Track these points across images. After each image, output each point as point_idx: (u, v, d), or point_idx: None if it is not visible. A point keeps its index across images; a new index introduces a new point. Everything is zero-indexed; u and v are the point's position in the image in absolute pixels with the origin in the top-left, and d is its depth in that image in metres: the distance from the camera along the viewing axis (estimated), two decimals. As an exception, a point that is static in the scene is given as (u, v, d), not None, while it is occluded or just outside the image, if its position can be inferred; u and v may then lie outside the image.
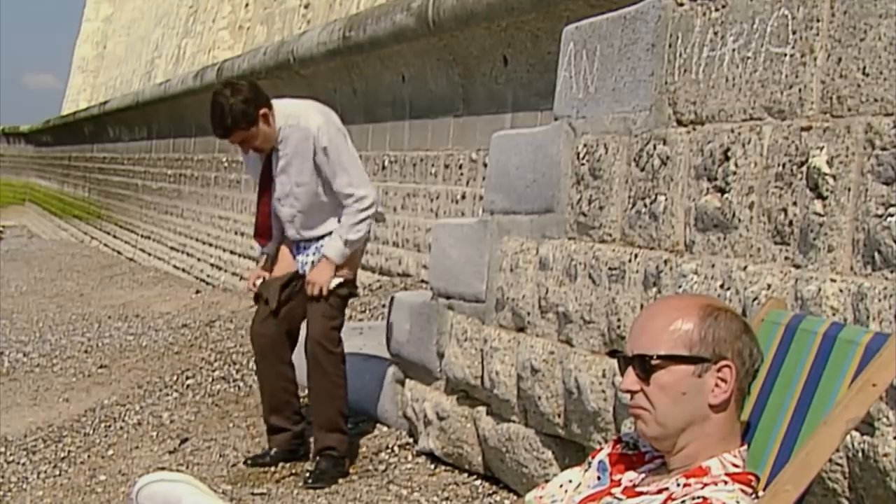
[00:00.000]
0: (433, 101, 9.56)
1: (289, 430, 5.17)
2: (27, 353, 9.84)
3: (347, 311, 6.08)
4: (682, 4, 3.38)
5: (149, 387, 7.35)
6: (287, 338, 5.08)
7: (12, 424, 7.21)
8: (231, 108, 4.80)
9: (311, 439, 5.13)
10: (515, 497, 4.31)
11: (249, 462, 5.19)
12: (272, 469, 5.11)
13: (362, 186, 4.93)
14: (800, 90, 2.85)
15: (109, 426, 6.62)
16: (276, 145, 4.94)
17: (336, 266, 4.93)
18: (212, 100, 4.89)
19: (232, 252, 15.80)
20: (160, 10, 28.24)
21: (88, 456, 6.10)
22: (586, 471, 2.35)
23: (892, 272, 2.52)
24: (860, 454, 2.56)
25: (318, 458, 4.95)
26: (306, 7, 16.34)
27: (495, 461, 4.46)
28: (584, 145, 3.87)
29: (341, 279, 4.95)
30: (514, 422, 4.25)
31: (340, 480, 4.87)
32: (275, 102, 4.97)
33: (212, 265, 16.93)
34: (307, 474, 4.94)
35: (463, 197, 8.72)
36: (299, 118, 4.92)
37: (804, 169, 2.79)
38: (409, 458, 5.05)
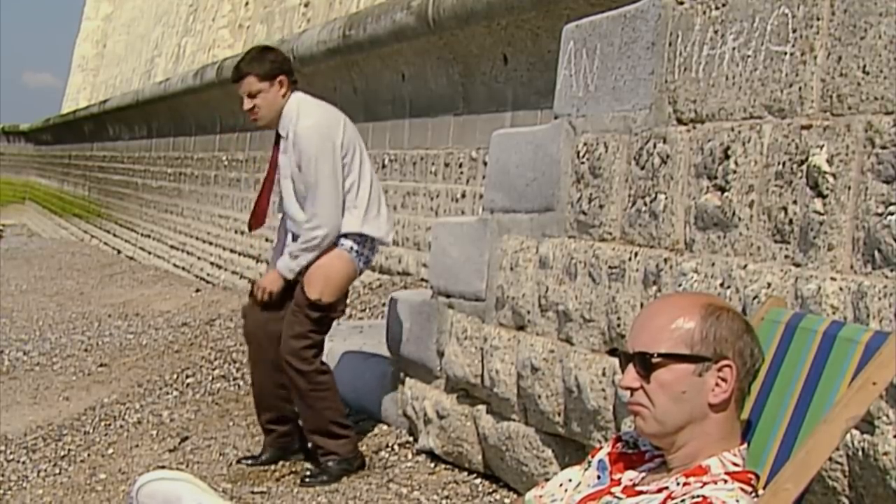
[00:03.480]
0: (433, 99, 9.56)
1: (276, 430, 5.16)
2: (27, 351, 9.85)
3: (348, 311, 6.07)
4: (682, 3, 3.38)
5: (149, 385, 7.35)
6: (275, 334, 5.04)
7: (12, 423, 7.22)
8: (254, 56, 4.95)
9: (312, 444, 5.12)
10: (515, 496, 4.31)
11: (244, 462, 5.18)
12: (272, 467, 5.11)
13: (320, 216, 4.82)
14: (800, 88, 2.85)
15: (109, 425, 6.62)
16: (278, 130, 4.94)
17: (284, 278, 4.92)
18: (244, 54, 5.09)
19: (232, 251, 15.79)
20: (160, 8, 28.23)
21: (88, 454, 6.11)
22: (586, 470, 2.35)
23: (892, 271, 2.52)
24: (860, 453, 2.56)
25: (321, 458, 4.94)
26: (306, 6, 16.34)
27: (495, 460, 4.47)
28: (584, 144, 3.87)
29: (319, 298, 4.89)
30: (514, 420, 4.25)
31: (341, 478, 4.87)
32: (298, 94, 4.97)
33: (212, 264, 16.93)
34: (307, 472, 4.94)
35: (463, 195, 8.73)
36: (298, 114, 4.89)
37: (804, 167, 2.79)
38: (409, 456, 5.05)
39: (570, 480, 2.36)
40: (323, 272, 4.88)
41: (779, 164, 2.89)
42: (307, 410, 4.96)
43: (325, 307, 4.90)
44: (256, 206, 5.17)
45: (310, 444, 5.12)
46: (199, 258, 17.85)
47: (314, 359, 4.92)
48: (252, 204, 5.27)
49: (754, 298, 2.88)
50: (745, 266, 2.98)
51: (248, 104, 4.95)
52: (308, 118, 4.89)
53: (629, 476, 2.25)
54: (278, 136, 4.98)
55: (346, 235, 4.93)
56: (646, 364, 2.17)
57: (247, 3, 20.03)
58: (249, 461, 5.17)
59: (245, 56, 5.05)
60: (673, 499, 2.09)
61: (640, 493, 2.17)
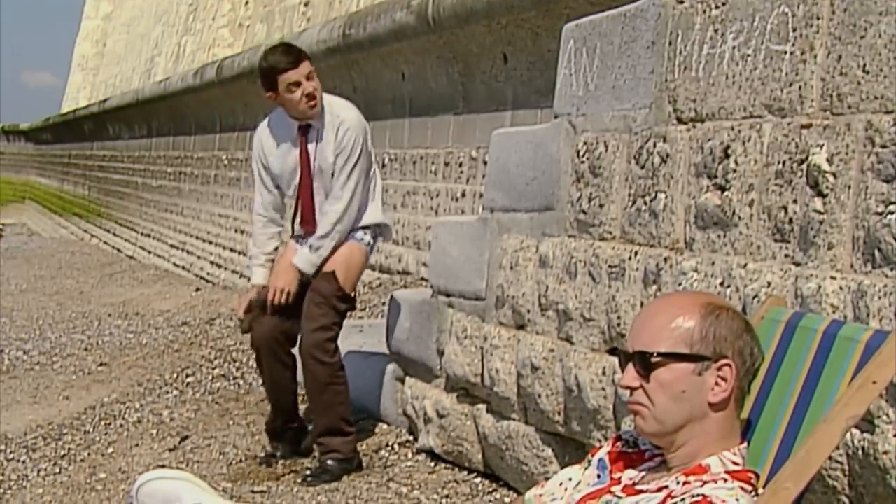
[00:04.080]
0: (433, 98, 9.56)
1: (291, 429, 5.21)
2: (27, 350, 9.85)
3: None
4: (682, 2, 3.38)
5: (149, 385, 7.35)
6: (286, 339, 5.05)
7: (12, 422, 7.22)
8: (289, 44, 5.03)
9: (315, 441, 5.13)
10: (515, 495, 4.31)
11: (260, 463, 5.18)
12: (272, 467, 5.11)
13: (347, 203, 4.89)
14: (800, 88, 2.85)
15: (109, 424, 6.62)
16: (312, 123, 4.92)
17: (301, 272, 4.93)
18: (272, 47, 5.09)
19: (232, 250, 15.79)
20: (160, 7, 28.23)
21: (88, 454, 6.11)
22: (586, 469, 2.35)
23: (892, 270, 2.52)
24: (860, 452, 2.56)
25: (322, 457, 4.95)
26: (306, 5, 16.34)
27: (495, 459, 4.47)
28: (584, 143, 3.87)
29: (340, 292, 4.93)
30: (514, 419, 4.25)
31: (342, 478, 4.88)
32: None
33: (212, 263, 16.93)
34: (307, 472, 4.94)
35: (463, 195, 8.73)
36: (332, 106, 4.94)
37: (804, 166, 2.79)
38: (409, 455, 5.05)
39: (570, 479, 2.36)
40: (345, 265, 4.95)
41: (779, 163, 2.89)
42: (321, 405, 4.96)
43: (349, 298, 5.00)
44: (302, 208, 5.03)
45: (310, 442, 5.14)
46: (199, 257, 17.85)
47: (335, 352, 4.97)
48: (293, 208, 5.11)
49: (754, 297, 2.88)
50: (745, 265, 2.98)
51: (309, 87, 4.85)
52: (349, 110, 4.97)
53: (629, 475, 2.25)
54: (304, 130, 4.94)
55: (366, 228, 4.99)
56: (645, 363, 2.17)
57: (247, 3, 20.03)
58: (267, 460, 5.18)
59: (282, 46, 5.05)
60: (673, 498, 2.09)
61: (640, 491, 2.17)
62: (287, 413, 5.20)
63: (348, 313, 5.19)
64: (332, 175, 4.91)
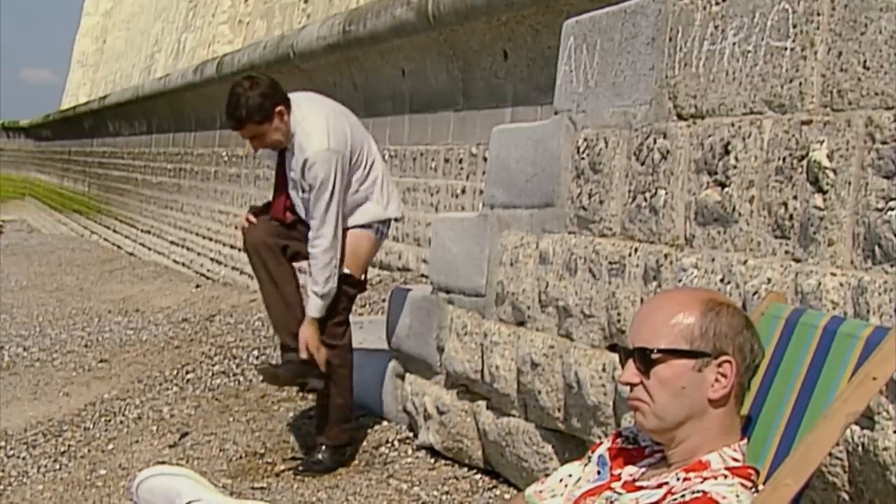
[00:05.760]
0: (433, 95, 9.56)
1: (296, 350, 4.96)
2: (27, 347, 9.84)
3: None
4: (682, -2, 3.37)
5: (149, 381, 7.35)
6: (278, 246, 4.94)
7: (12, 419, 7.21)
8: (247, 101, 4.74)
9: (315, 430, 5.15)
10: (515, 491, 4.31)
11: (261, 377, 5.11)
12: (272, 464, 5.12)
13: (326, 236, 4.80)
14: (800, 84, 2.85)
15: (109, 420, 6.62)
16: (287, 146, 4.88)
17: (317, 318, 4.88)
18: (230, 90, 4.84)
19: (232, 247, 15.79)
20: (160, 4, 28.22)
21: (88, 450, 6.11)
22: (586, 465, 2.35)
23: (892, 266, 2.52)
24: (860, 448, 2.56)
25: (317, 447, 4.97)
26: (306, 1, 16.33)
27: (495, 455, 4.47)
28: (585, 139, 3.87)
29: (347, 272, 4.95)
30: (514, 416, 4.25)
31: (341, 472, 4.88)
32: (293, 97, 4.88)
33: (212, 260, 16.93)
34: (300, 462, 4.97)
35: (463, 191, 8.73)
36: (305, 131, 4.81)
37: (804, 163, 2.79)
38: (409, 452, 5.05)
39: (570, 476, 2.36)
40: (352, 250, 4.96)
41: (779, 159, 2.89)
42: (328, 389, 4.97)
43: (355, 282, 5.02)
44: (274, 206, 5.03)
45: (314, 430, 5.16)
46: (199, 254, 17.85)
47: (344, 335, 5.00)
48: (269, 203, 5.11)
49: (754, 294, 2.88)
50: (746, 261, 2.98)
51: (255, 145, 4.89)
52: (317, 141, 4.79)
53: (629, 471, 2.25)
54: (282, 150, 4.93)
55: (369, 224, 5.01)
56: (645, 359, 2.17)
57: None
58: (271, 371, 5.14)
59: (235, 100, 4.78)
60: (673, 494, 2.09)
61: (640, 488, 2.17)
62: (290, 326, 4.96)
63: (357, 296, 5.23)
64: (300, 192, 4.87)
